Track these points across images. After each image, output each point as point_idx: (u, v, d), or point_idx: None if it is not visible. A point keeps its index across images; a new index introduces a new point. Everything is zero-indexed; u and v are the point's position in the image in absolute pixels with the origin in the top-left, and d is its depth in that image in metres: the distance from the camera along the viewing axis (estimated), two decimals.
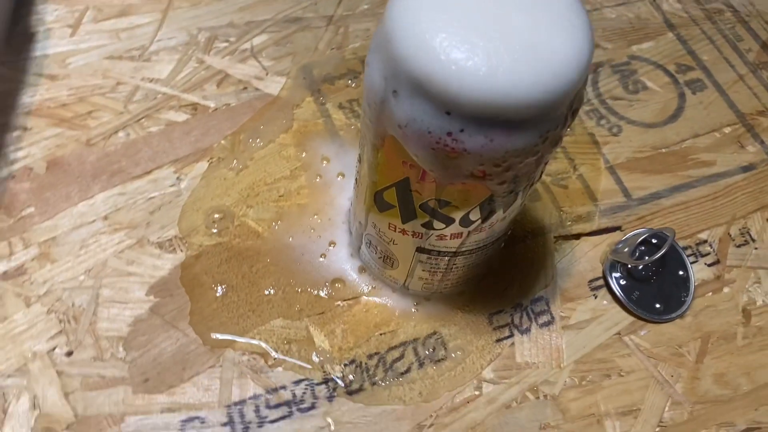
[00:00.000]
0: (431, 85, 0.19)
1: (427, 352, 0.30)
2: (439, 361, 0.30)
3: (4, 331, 0.29)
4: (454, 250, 0.27)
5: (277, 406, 0.29)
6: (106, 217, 0.32)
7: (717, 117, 0.39)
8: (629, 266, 0.33)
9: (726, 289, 0.34)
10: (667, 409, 0.30)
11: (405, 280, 0.30)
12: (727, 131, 0.39)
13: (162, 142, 0.35)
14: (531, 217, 0.34)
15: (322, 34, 0.39)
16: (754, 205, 0.36)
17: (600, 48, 0.41)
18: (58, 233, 0.32)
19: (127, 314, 0.30)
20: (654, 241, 0.34)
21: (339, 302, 0.31)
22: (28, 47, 0.37)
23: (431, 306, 0.31)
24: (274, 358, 0.30)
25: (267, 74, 0.37)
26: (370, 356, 0.30)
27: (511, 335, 0.31)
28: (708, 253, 0.35)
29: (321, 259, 0.32)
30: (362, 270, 0.32)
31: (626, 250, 0.33)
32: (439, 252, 0.27)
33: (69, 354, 0.29)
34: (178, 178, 0.34)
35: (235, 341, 0.30)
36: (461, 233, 0.26)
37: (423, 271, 0.29)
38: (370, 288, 0.32)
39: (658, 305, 0.32)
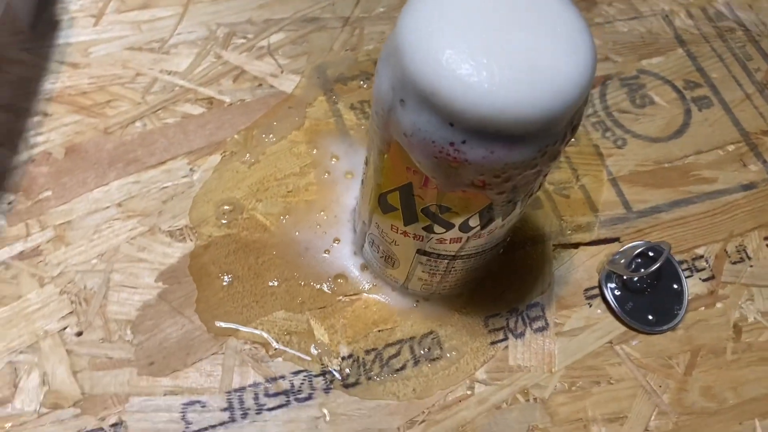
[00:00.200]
0: (436, 98, 0.20)
1: (422, 351, 0.31)
2: (434, 360, 0.31)
3: (18, 309, 0.31)
4: (453, 253, 0.28)
5: (276, 394, 0.30)
6: (120, 204, 0.34)
7: (721, 135, 0.40)
8: (625, 277, 0.34)
9: (719, 305, 0.34)
10: (653, 418, 0.31)
11: (405, 280, 0.31)
12: (730, 149, 0.39)
13: (177, 133, 0.36)
14: (531, 225, 0.35)
15: (337, 34, 0.40)
16: (753, 223, 0.37)
17: (610, 61, 0.42)
18: (74, 217, 0.33)
19: (136, 299, 0.31)
20: (651, 254, 0.34)
21: (340, 297, 0.32)
22: (52, 35, 0.38)
23: (429, 306, 0.32)
24: (275, 349, 0.31)
25: (282, 72, 0.38)
26: (367, 352, 0.31)
27: (506, 338, 0.32)
28: (703, 268, 0.35)
29: (325, 255, 0.33)
30: (364, 268, 0.33)
31: (623, 261, 0.34)
32: (439, 255, 0.28)
33: (79, 334, 0.30)
34: (191, 169, 0.35)
35: (238, 330, 0.31)
36: (461, 238, 0.26)
37: (422, 272, 0.30)
38: (370, 285, 0.33)
39: (650, 317, 0.33)
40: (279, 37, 0.40)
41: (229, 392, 0.30)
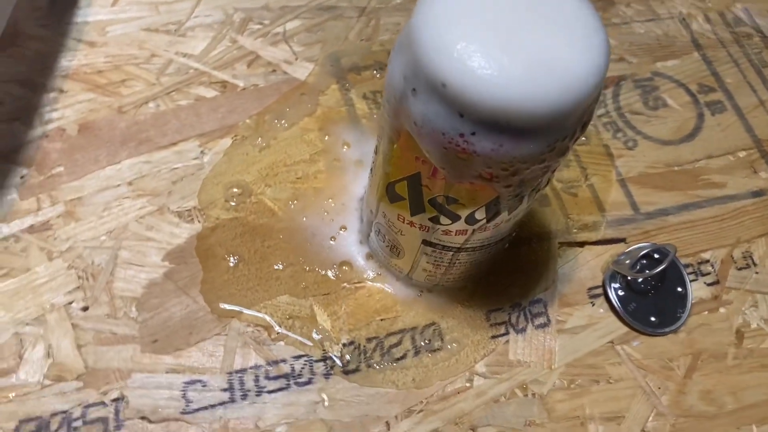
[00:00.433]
0: (447, 89, 0.20)
1: (424, 342, 0.32)
2: (434, 351, 0.31)
3: (26, 282, 0.31)
4: (458, 245, 0.28)
5: (276, 377, 0.30)
6: (130, 183, 0.34)
7: (733, 140, 0.40)
8: (629, 278, 0.34)
9: (722, 310, 0.34)
10: (650, 419, 0.31)
11: (409, 271, 0.31)
12: (741, 155, 0.39)
13: (190, 115, 0.36)
14: (538, 221, 0.35)
15: (353, 24, 0.40)
16: (760, 230, 0.37)
17: (625, 61, 0.42)
18: (84, 194, 0.33)
19: (142, 277, 0.32)
20: (656, 256, 0.34)
21: (344, 285, 0.32)
22: (71, 13, 0.38)
23: (432, 297, 0.33)
24: (277, 333, 0.31)
25: (296, 59, 0.39)
26: (369, 339, 0.31)
27: (507, 333, 0.32)
28: (709, 273, 0.35)
29: (331, 242, 0.33)
30: (369, 257, 0.33)
31: (628, 262, 0.34)
32: (444, 246, 0.28)
33: (85, 309, 0.31)
34: (202, 151, 0.35)
35: (241, 312, 0.31)
36: (466, 230, 0.27)
37: (427, 263, 0.30)
38: (375, 274, 0.33)
39: (653, 318, 0.33)
40: (295, 24, 0.40)
41: (230, 373, 0.30)
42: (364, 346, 0.31)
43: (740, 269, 0.36)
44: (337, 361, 0.31)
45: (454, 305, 0.33)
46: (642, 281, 0.34)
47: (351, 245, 0.33)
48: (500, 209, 0.25)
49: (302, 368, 0.30)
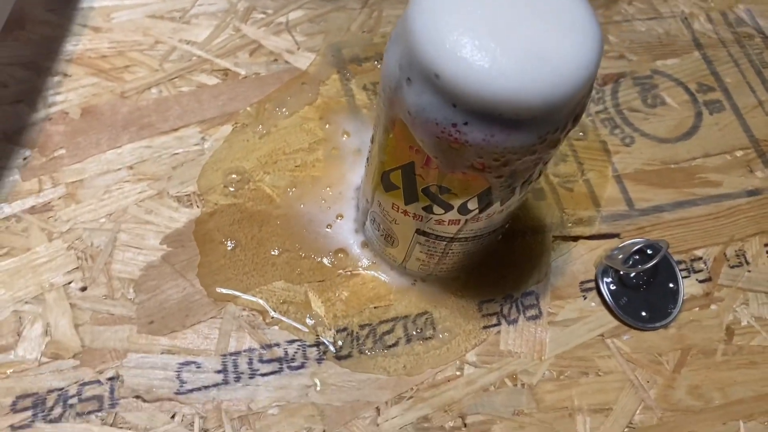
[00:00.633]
0: (440, 78, 0.21)
1: (416, 330, 0.32)
2: (426, 339, 0.32)
3: (26, 261, 0.31)
4: (451, 235, 0.28)
5: (270, 361, 0.31)
6: (131, 167, 0.34)
7: (730, 140, 0.40)
8: (621, 272, 0.34)
9: (713, 307, 0.35)
10: (638, 412, 0.32)
11: (403, 260, 0.32)
12: (738, 155, 0.39)
13: (191, 102, 0.36)
14: (533, 215, 0.36)
15: (356, 16, 0.41)
16: (754, 229, 0.37)
17: (625, 59, 0.42)
18: (86, 176, 0.34)
19: (140, 259, 0.32)
20: (649, 251, 0.35)
21: (339, 272, 0.33)
22: None
23: (426, 287, 0.33)
24: (272, 317, 0.32)
25: (298, 49, 0.39)
26: (362, 326, 0.32)
27: (498, 324, 0.33)
28: (701, 270, 0.36)
29: (327, 229, 0.34)
30: (364, 245, 0.33)
31: (620, 256, 0.34)
32: (437, 236, 0.29)
33: (83, 289, 0.31)
34: (202, 138, 0.36)
35: (237, 297, 0.32)
36: (459, 220, 0.27)
37: (421, 252, 0.30)
38: (369, 263, 0.33)
39: (644, 313, 0.34)
40: (298, 14, 0.40)
41: (224, 355, 0.31)
42: (357, 333, 0.32)
43: (733, 267, 0.36)
44: (330, 347, 0.31)
45: (447, 295, 0.33)
46: (634, 276, 0.34)
47: (347, 233, 0.34)
48: (492, 200, 0.26)
49: (295, 353, 0.31)
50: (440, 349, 0.32)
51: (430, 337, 0.32)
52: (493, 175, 0.24)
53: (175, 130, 0.36)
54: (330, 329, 0.32)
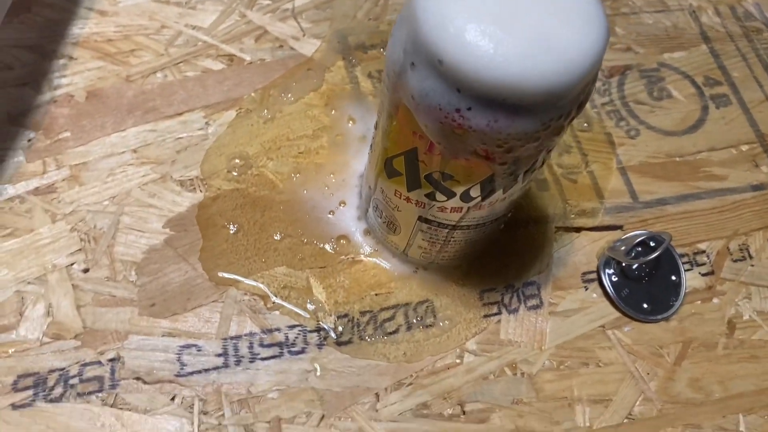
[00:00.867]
0: (444, 63, 0.21)
1: (416, 317, 0.32)
2: (427, 326, 0.32)
3: (29, 242, 0.32)
4: (453, 223, 0.28)
5: (270, 345, 0.31)
6: (135, 151, 0.34)
7: (736, 134, 0.40)
8: (623, 264, 0.34)
9: (715, 300, 0.35)
10: (638, 403, 0.32)
11: (405, 247, 0.32)
12: (744, 149, 0.39)
13: (196, 87, 0.36)
14: (536, 205, 0.36)
15: (362, 3, 0.41)
16: (759, 223, 0.37)
17: (631, 51, 0.42)
18: (90, 159, 0.34)
19: (142, 242, 0.32)
20: (652, 243, 0.35)
21: (341, 259, 0.33)
22: None
23: (427, 275, 0.33)
24: (273, 302, 0.32)
25: (304, 35, 0.39)
26: (362, 313, 0.32)
27: (499, 313, 0.33)
28: (704, 263, 0.36)
29: (329, 216, 0.34)
30: (367, 233, 0.33)
31: (623, 248, 0.34)
32: (439, 223, 0.28)
33: (85, 271, 0.31)
34: (206, 122, 0.36)
35: (239, 281, 0.32)
36: (461, 208, 0.27)
37: (422, 240, 0.30)
38: (371, 250, 0.33)
39: (645, 305, 0.34)
40: (304, 0, 0.40)
41: (225, 339, 0.31)
42: (358, 319, 0.32)
43: (736, 261, 0.36)
44: (331, 333, 0.31)
45: (449, 283, 0.33)
46: (636, 268, 0.34)
47: (349, 220, 0.34)
48: (495, 187, 0.26)
49: (296, 338, 0.31)
50: (440, 337, 0.32)
51: (430, 325, 0.32)
52: (497, 161, 0.24)
53: (180, 114, 0.36)
54: (331, 315, 0.32)
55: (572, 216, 0.36)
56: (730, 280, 0.35)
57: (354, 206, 0.34)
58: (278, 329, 0.31)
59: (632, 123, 0.39)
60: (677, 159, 0.38)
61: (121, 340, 0.30)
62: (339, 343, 0.31)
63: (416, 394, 0.30)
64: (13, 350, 0.29)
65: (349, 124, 0.36)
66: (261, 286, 0.32)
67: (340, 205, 0.34)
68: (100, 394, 0.29)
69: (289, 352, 0.31)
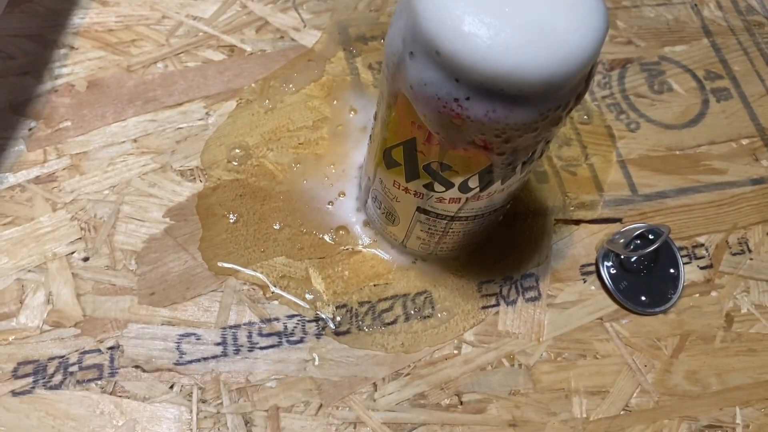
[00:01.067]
0: (443, 53, 0.21)
1: (414, 308, 0.32)
2: (425, 317, 0.32)
3: (30, 230, 0.32)
4: (452, 214, 0.28)
5: (269, 335, 0.31)
6: (135, 140, 0.35)
7: (737, 128, 0.40)
8: (622, 257, 0.34)
9: (714, 293, 0.35)
10: (635, 395, 0.32)
11: (404, 238, 0.32)
12: (744, 143, 0.39)
13: (197, 77, 0.37)
14: (536, 197, 0.36)
15: None
16: (758, 217, 0.37)
17: (632, 44, 0.42)
18: (90, 148, 0.34)
19: (142, 231, 0.32)
20: (651, 236, 0.35)
21: (340, 249, 0.33)
22: None
23: (426, 266, 0.33)
24: (272, 292, 0.32)
25: (304, 26, 0.39)
26: (361, 303, 0.32)
27: (497, 304, 0.33)
28: (703, 257, 0.36)
29: (329, 207, 0.34)
30: (366, 224, 0.34)
31: (622, 241, 0.34)
32: (438, 214, 0.29)
33: (85, 259, 0.31)
34: (207, 113, 0.36)
35: (238, 271, 0.32)
36: (459, 198, 0.27)
37: (421, 231, 0.30)
38: (370, 241, 0.33)
39: (643, 298, 0.34)
40: None
41: (224, 328, 0.31)
42: (356, 310, 0.32)
43: (735, 254, 0.36)
44: (329, 323, 0.31)
45: (447, 275, 0.33)
46: (635, 261, 0.34)
47: (348, 211, 0.34)
48: (493, 178, 0.26)
49: (295, 327, 0.31)
50: (438, 328, 0.32)
51: (428, 316, 0.32)
52: (495, 152, 0.24)
53: (180, 104, 0.36)
54: (329, 305, 0.32)
55: (571, 208, 0.36)
56: (729, 273, 0.35)
57: (353, 197, 0.34)
58: (277, 319, 0.31)
59: (632, 116, 0.39)
60: (677, 152, 0.38)
61: (121, 328, 0.30)
62: (337, 333, 0.31)
63: (414, 384, 0.31)
64: (13, 338, 0.30)
65: (351, 115, 0.36)
66: (260, 275, 0.32)
67: (339, 195, 0.34)
68: (99, 382, 0.29)
69: (288, 341, 0.31)
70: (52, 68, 0.36)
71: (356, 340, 0.31)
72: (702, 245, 0.36)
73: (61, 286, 0.31)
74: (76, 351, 0.30)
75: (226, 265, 0.32)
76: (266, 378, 0.30)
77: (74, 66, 0.36)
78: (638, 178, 0.37)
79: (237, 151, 0.35)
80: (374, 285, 0.32)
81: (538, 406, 0.31)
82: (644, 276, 0.34)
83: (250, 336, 0.31)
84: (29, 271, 0.31)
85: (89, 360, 0.30)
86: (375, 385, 0.30)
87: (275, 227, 0.33)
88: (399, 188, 0.28)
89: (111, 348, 0.30)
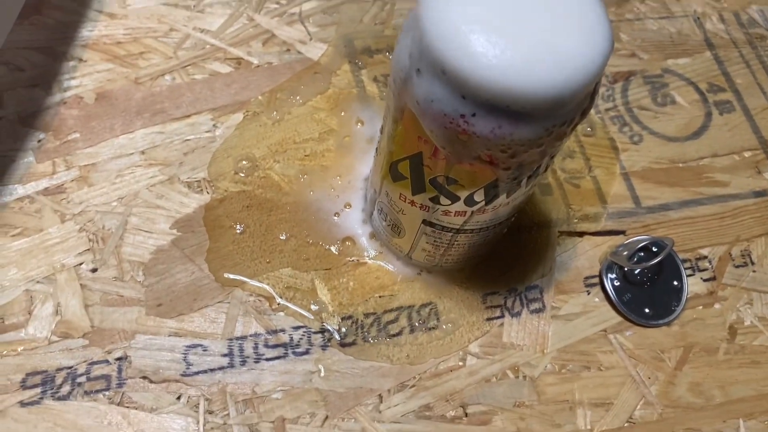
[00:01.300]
0: (449, 70, 0.21)
1: (420, 320, 0.32)
2: (430, 329, 0.32)
3: (39, 241, 0.32)
4: (457, 227, 0.29)
5: (275, 346, 0.31)
6: (143, 152, 0.35)
7: (739, 140, 0.40)
8: (626, 269, 0.34)
9: (717, 305, 0.35)
10: (638, 407, 0.32)
11: (409, 250, 0.32)
12: (746, 155, 0.39)
13: (204, 89, 0.37)
14: (540, 210, 0.36)
15: (368, 7, 0.41)
16: (761, 230, 0.37)
17: (636, 57, 0.42)
18: (99, 160, 0.34)
19: (150, 243, 0.33)
20: (654, 249, 0.35)
21: (345, 261, 0.33)
22: None
23: (431, 278, 0.33)
24: (278, 303, 0.32)
25: (311, 39, 0.39)
26: (366, 315, 0.32)
27: (502, 316, 0.33)
28: (706, 269, 0.36)
29: (335, 218, 0.34)
30: (371, 235, 0.34)
31: (625, 253, 0.34)
32: (443, 227, 0.29)
33: (93, 271, 0.32)
34: (214, 125, 0.36)
35: (244, 282, 0.32)
36: (465, 212, 0.27)
37: (427, 243, 0.31)
38: (376, 253, 0.34)
39: (647, 310, 0.34)
40: (311, 5, 0.41)
41: (230, 339, 0.31)
42: (362, 321, 0.32)
43: (738, 267, 0.36)
44: (335, 334, 0.32)
45: (452, 286, 0.33)
46: (638, 273, 0.34)
47: (354, 223, 0.34)
48: (499, 192, 0.26)
49: (300, 339, 0.31)
50: (443, 340, 0.32)
51: (433, 328, 0.32)
52: (500, 167, 0.24)
53: (188, 116, 0.36)
54: (335, 317, 0.32)
55: (575, 221, 0.36)
56: (732, 285, 0.36)
57: (359, 209, 0.34)
58: (283, 330, 0.31)
59: (636, 128, 0.39)
60: (680, 165, 0.39)
61: (128, 339, 0.30)
62: (343, 345, 0.31)
63: (419, 396, 0.31)
64: (21, 348, 0.30)
65: (357, 126, 0.37)
66: (266, 287, 0.32)
67: (345, 207, 0.34)
68: (107, 393, 0.29)
69: (294, 352, 0.31)
70: (61, 80, 0.36)
71: (362, 352, 0.31)
72: (705, 257, 0.36)
73: (70, 297, 0.31)
74: (84, 362, 0.30)
75: (232, 276, 0.32)
76: (272, 389, 0.30)
77: (83, 78, 0.36)
78: (641, 191, 0.37)
79: (244, 162, 0.35)
80: (379, 296, 0.33)
81: (543, 417, 0.31)
82: (648, 288, 0.34)
83: (256, 347, 0.31)
84: (38, 282, 0.31)
85: (97, 371, 0.30)
86: (380, 396, 0.31)
87: (281, 238, 0.33)
88: (405, 201, 0.28)
89: (119, 359, 0.30)
